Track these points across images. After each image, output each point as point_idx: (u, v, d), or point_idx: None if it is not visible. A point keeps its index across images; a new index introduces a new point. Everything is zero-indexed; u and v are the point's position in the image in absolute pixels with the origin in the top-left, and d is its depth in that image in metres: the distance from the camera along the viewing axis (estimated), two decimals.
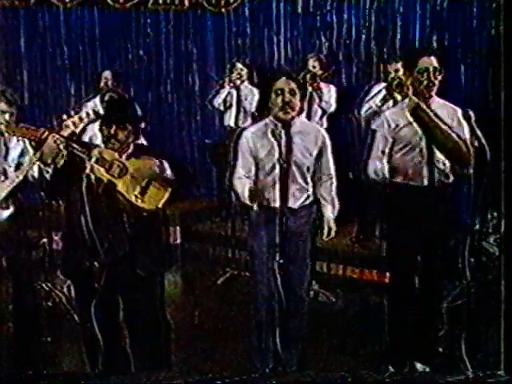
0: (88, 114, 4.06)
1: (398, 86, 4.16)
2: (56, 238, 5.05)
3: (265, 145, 3.97)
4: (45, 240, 5.13)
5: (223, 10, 4.81)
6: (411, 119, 4.06)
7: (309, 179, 4.05)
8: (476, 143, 4.12)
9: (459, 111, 4.16)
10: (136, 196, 3.87)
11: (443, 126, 4.06)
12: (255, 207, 3.89)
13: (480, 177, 4.18)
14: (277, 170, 3.96)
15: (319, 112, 6.05)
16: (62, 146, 3.78)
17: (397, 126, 4.15)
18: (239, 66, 6.31)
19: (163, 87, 6.82)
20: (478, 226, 4.65)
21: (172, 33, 6.63)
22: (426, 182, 4.13)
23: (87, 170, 3.84)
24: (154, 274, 4.00)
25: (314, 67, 6.07)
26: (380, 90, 5.16)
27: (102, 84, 5.95)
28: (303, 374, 4.09)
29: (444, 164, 4.15)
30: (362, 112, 5.16)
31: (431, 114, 4.04)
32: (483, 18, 5.22)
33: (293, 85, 3.91)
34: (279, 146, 3.93)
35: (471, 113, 4.15)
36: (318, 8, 6.34)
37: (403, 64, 4.36)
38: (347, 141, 5.82)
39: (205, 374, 4.06)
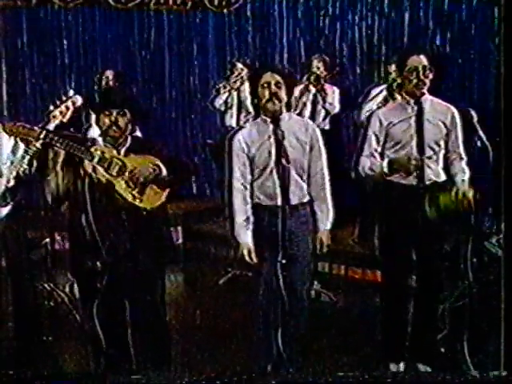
0: (74, 102, 4.06)
1: (399, 87, 4.16)
2: (58, 237, 5.05)
3: (255, 141, 3.99)
4: (47, 240, 5.13)
5: (225, 10, 4.81)
6: None
7: (304, 176, 4.05)
8: (478, 143, 4.11)
9: (454, 110, 4.15)
10: (134, 196, 3.87)
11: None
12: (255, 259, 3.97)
13: (481, 177, 4.18)
14: (272, 166, 3.97)
15: (322, 113, 6.06)
16: (58, 145, 3.78)
17: (389, 123, 4.15)
18: (239, 66, 6.31)
19: (165, 87, 6.84)
20: (479, 227, 4.64)
21: (173, 33, 6.65)
22: (415, 181, 4.13)
23: (89, 170, 3.84)
24: (154, 270, 4.00)
25: (318, 68, 6.07)
26: (381, 91, 5.16)
27: (103, 83, 5.95)
28: (304, 374, 4.09)
29: (435, 162, 4.15)
30: (363, 113, 5.15)
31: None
32: (483, 17, 5.23)
33: (278, 78, 3.96)
34: (270, 141, 3.96)
35: (473, 112, 4.14)
36: (319, 9, 6.36)
37: (396, 64, 4.36)
38: (348, 141, 5.83)
39: (206, 374, 4.06)
